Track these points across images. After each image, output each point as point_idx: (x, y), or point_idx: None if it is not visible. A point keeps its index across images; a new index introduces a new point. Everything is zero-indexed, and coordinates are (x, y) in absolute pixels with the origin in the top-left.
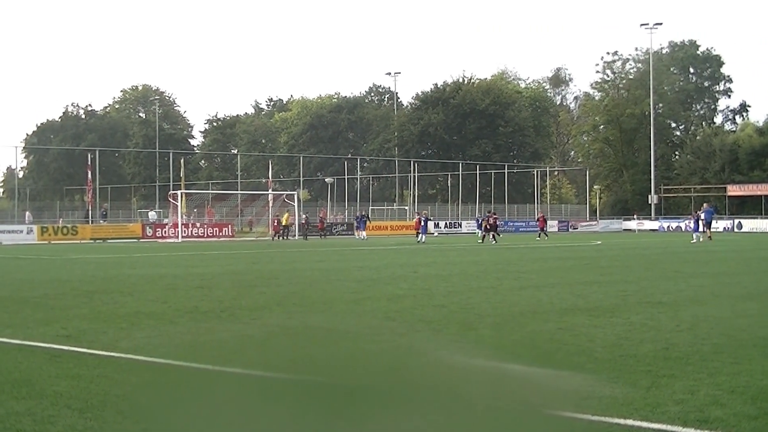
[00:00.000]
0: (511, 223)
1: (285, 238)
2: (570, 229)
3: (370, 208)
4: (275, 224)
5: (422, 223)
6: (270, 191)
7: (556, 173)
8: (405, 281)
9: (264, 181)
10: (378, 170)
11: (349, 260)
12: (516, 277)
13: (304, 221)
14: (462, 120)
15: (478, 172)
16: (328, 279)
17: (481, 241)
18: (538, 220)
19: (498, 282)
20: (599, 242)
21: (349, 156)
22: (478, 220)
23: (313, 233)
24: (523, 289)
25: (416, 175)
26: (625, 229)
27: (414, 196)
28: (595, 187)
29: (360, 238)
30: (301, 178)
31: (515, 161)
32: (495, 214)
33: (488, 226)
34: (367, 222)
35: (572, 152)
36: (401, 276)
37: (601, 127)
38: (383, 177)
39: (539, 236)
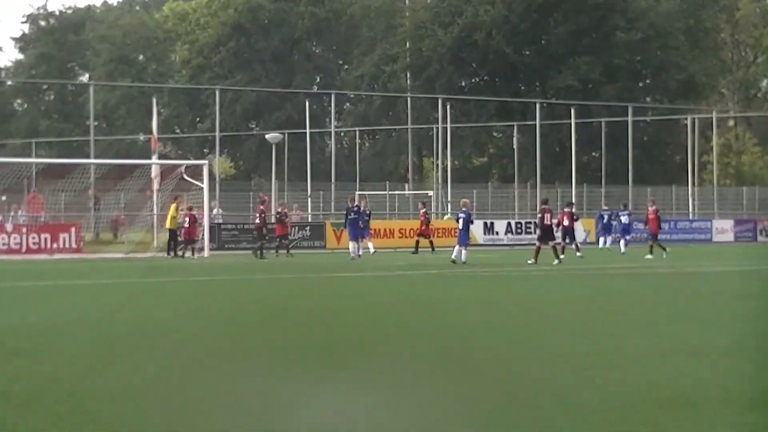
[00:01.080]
0: (636, 222)
1: (188, 254)
2: (762, 236)
3: (357, 193)
4: (187, 225)
5: (459, 223)
6: (155, 159)
7: (731, 123)
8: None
9: (143, 139)
10: (371, 119)
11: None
12: None
13: (259, 220)
14: (540, 16)
15: (573, 121)
16: None
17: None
18: (558, 220)
19: None
20: None
21: (315, 90)
22: (603, 217)
23: (269, 245)
24: None
25: (449, 126)
26: None
27: (442, 171)
28: None
29: (356, 255)
30: (217, 134)
31: (647, 100)
32: (572, 207)
33: (558, 227)
34: (369, 221)
35: (765, 82)
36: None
37: None
38: (382, 132)
39: (560, 253)
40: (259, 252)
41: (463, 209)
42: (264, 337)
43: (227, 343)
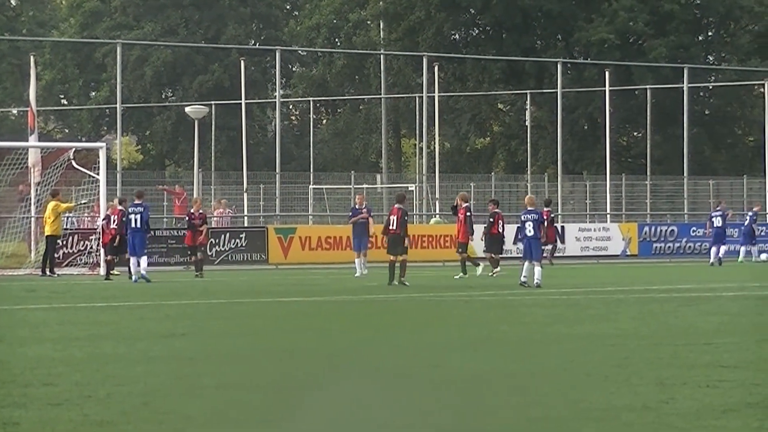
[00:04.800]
0: (701, 228)
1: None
2: None
3: (311, 188)
4: (106, 226)
5: (465, 224)
6: (33, 140)
7: None
8: None
9: (16, 113)
10: (331, 85)
11: None
12: None
13: (198, 216)
14: None
15: (607, 88)
16: None
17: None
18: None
19: None
20: None
21: (253, 46)
22: (718, 216)
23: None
24: None
25: (437, 95)
26: None
27: (428, 156)
28: None
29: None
30: (119, 106)
31: (709, 60)
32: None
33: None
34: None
35: None
36: None
37: None
38: (346, 103)
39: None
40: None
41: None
42: None
43: None
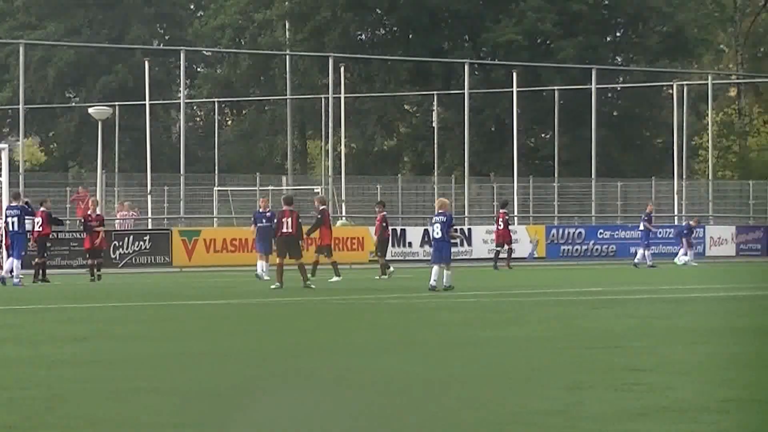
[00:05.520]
0: (608, 231)
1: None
2: None
3: (216, 189)
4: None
5: (330, 228)
6: None
7: (734, 92)
8: None
9: None
10: (236, 86)
11: None
12: None
13: (95, 218)
14: None
15: (515, 89)
16: None
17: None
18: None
19: None
20: None
21: (157, 46)
22: (682, 232)
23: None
24: None
25: (343, 96)
26: None
27: (335, 157)
28: None
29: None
30: (21, 107)
31: (617, 61)
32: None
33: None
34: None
35: None
36: None
37: None
38: (251, 104)
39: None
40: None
41: (441, 211)
42: None
43: None
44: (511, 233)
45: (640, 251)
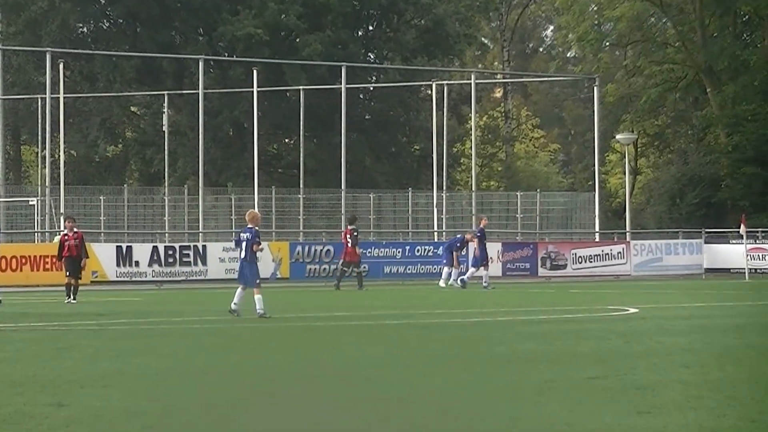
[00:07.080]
0: (360, 248)
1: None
2: (546, 266)
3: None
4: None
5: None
6: None
7: (500, 92)
8: None
9: None
10: None
11: None
12: None
13: None
14: None
15: (255, 89)
16: None
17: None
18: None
19: None
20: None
21: None
22: (454, 245)
23: None
24: None
25: (62, 96)
26: (710, 270)
27: (52, 165)
28: (619, 138)
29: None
30: None
31: (369, 57)
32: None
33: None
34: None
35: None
36: None
37: None
38: None
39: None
40: None
41: (249, 226)
42: None
43: None
44: (358, 253)
45: (452, 270)
